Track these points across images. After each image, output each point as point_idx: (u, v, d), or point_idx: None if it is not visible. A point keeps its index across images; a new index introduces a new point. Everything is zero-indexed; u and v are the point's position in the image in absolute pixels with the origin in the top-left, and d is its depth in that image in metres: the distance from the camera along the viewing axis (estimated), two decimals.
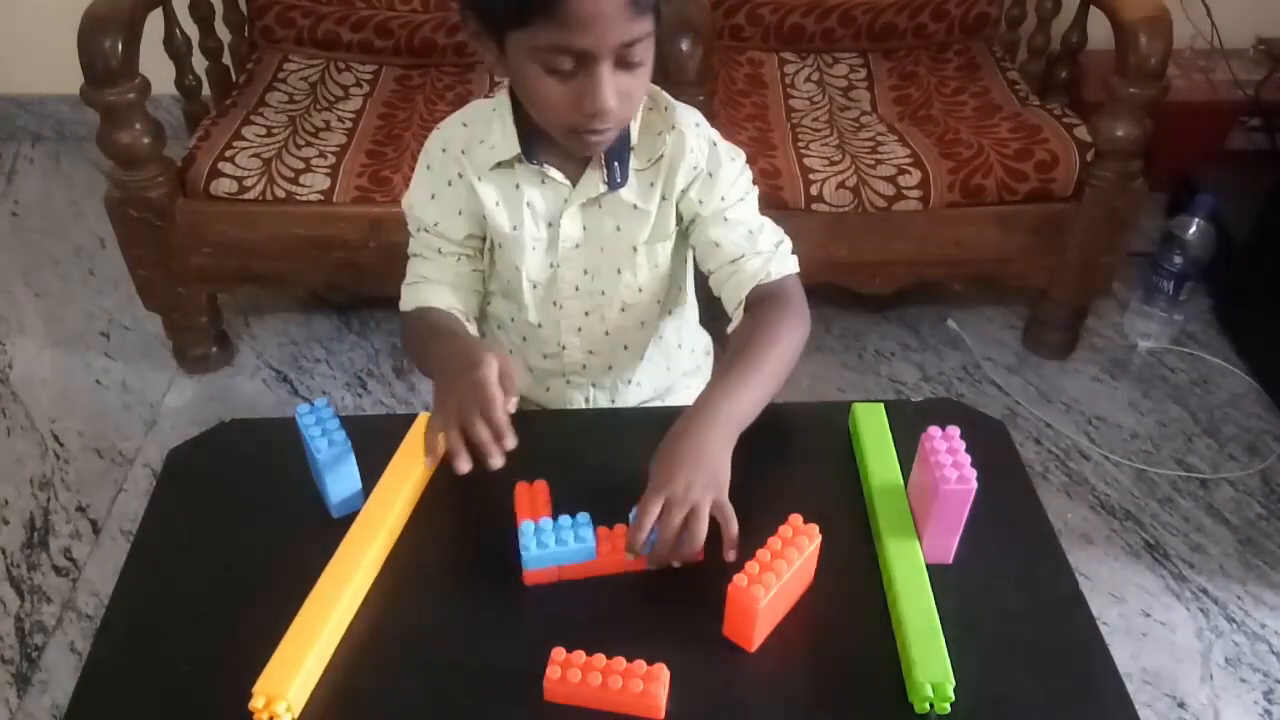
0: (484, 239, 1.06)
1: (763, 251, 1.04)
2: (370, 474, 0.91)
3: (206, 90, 2.14)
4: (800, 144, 1.95)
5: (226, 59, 2.18)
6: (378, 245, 1.86)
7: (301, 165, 1.86)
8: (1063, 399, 2.03)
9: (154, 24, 1.85)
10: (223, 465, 0.97)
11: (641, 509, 0.82)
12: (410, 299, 1.07)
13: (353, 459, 0.89)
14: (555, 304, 1.08)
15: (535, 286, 1.08)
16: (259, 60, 2.17)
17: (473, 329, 1.08)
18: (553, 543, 0.82)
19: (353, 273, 1.91)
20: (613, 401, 1.20)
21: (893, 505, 0.89)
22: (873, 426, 0.98)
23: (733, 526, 0.82)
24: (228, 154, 1.86)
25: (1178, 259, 2.07)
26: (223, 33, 2.17)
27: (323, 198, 1.83)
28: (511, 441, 0.84)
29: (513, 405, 0.87)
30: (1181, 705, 1.50)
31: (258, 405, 1.99)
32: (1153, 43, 1.72)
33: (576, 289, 1.07)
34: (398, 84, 2.13)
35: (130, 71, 1.71)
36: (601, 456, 0.98)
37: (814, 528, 0.81)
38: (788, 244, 1.07)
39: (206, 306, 2.00)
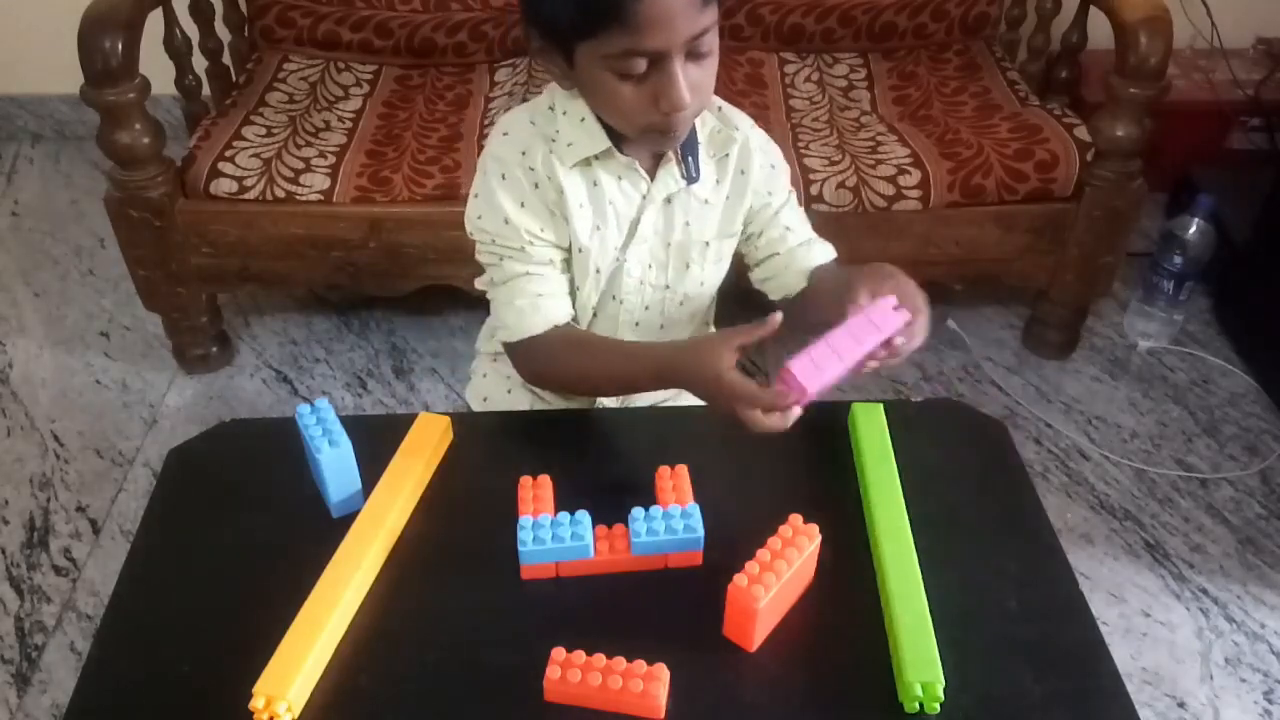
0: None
1: (813, 237, 1.11)
2: (370, 474, 0.91)
3: (206, 90, 2.14)
4: (800, 144, 1.95)
5: (226, 59, 2.18)
6: (378, 245, 1.86)
7: (301, 165, 1.86)
8: (1062, 399, 2.03)
9: (154, 24, 1.85)
10: (223, 465, 0.97)
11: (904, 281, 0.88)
12: (531, 321, 1.01)
13: (353, 459, 0.89)
14: (615, 298, 1.08)
15: (598, 273, 1.06)
16: (259, 60, 2.17)
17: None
18: (549, 539, 0.83)
19: (352, 273, 1.91)
20: (625, 400, 1.20)
21: (889, 505, 0.89)
22: (871, 427, 0.98)
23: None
24: (228, 154, 1.86)
25: (1178, 259, 2.07)
26: (223, 33, 2.17)
27: (322, 198, 1.83)
28: (795, 410, 0.85)
29: (775, 321, 0.86)
30: (1181, 705, 1.50)
31: (258, 405, 1.98)
32: (1153, 43, 1.72)
33: (641, 283, 1.07)
34: (397, 84, 2.13)
35: (130, 71, 1.71)
36: (609, 455, 0.98)
37: (814, 528, 0.81)
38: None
39: (206, 306, 2.00)
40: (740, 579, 0.77)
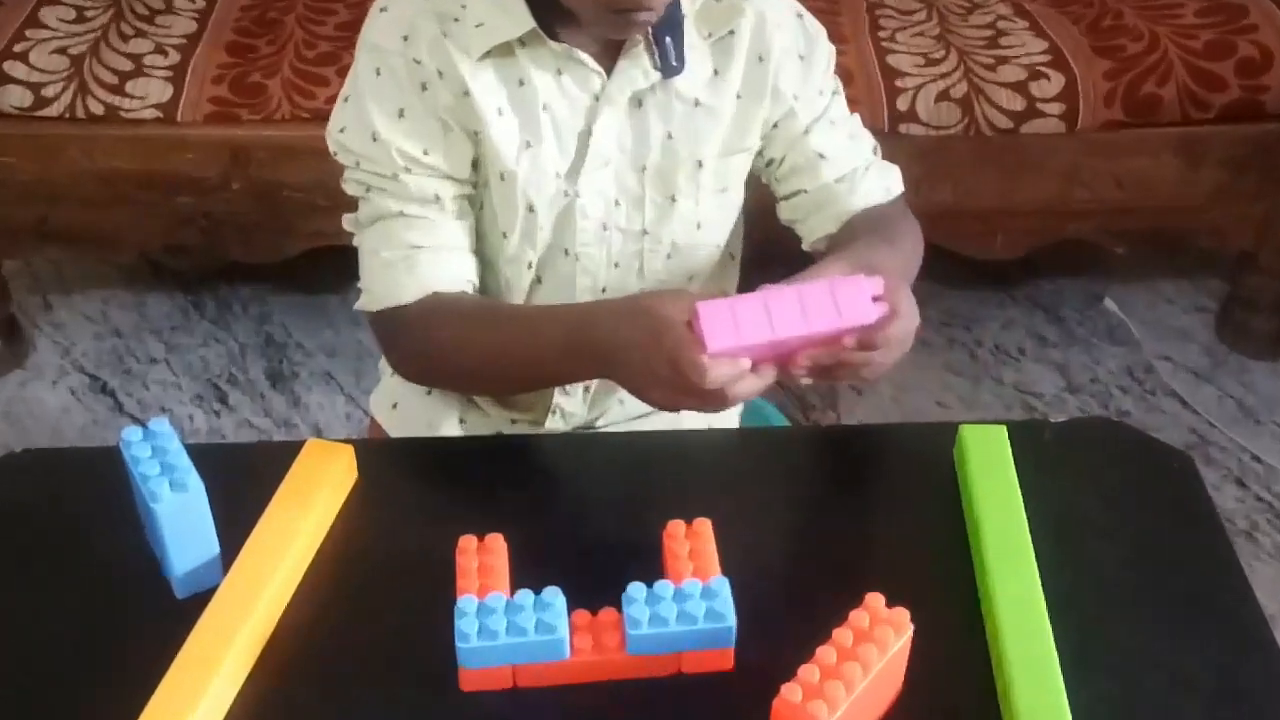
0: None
1: (870, 162, 1.13)
2: (234, 532, 0.91)
3: None
4: (882, 34, 1.95)
5: None
6: (244, 187, 1.87)
7: (129, 66, 1.86)
8: (1279, 419, 2.03)
9: None
10: (9, 517, 0.97)
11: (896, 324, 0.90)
12: (400, 284, 1.05)
13: (207, 510, 0.89)
14: (566, 251, 1.09)
15: (532, 212, 1.07)
16: None
17: None
18: (503, 630, 0.83)
19: (206, 228, 1.91)
20: (600, 415, 1.21)
21: (1015, 577, 0.89)
22: (989, 460, 0.98)
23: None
24: (17, 49, 1.86)
25: None
26: None
27: (161, 115, 1.84)
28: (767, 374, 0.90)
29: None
30: None
31: (63, 427, 1.99)
32: None
33: (604, 228, 1.08)
34: None
35: None
36: (592, 501, 0.98)
37: (902, 613, 0.81)
38: (878, 147, 1.16)
39: None
40: (791, 691, 0.77)
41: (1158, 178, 1.93)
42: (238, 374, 2.09)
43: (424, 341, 1.06)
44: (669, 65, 1.02)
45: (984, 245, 2.01)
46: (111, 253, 2.18)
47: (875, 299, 0.89)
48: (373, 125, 1.03)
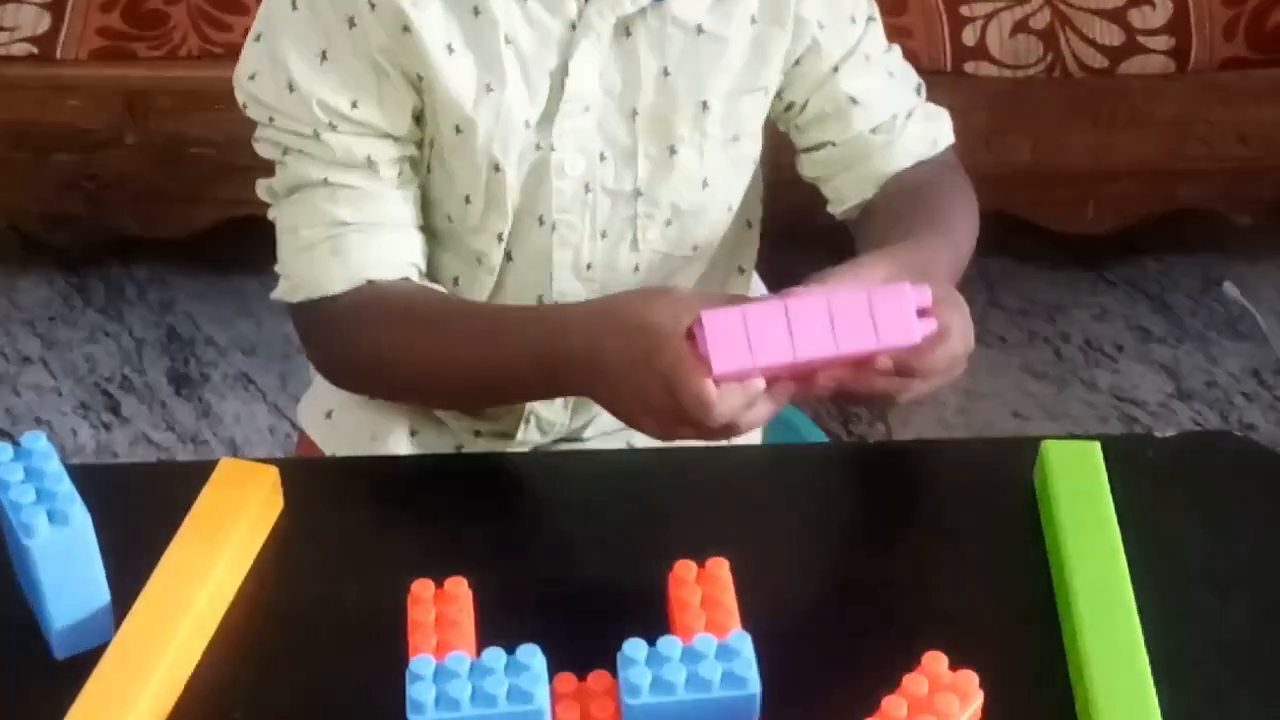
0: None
1: (913, 106, 1.14)
2: (129, 575, 0.91)
3: None
4: None
5: None
6: (141, 141, 1.88)
7: None
8: None
9: None
10: None
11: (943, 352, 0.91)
12: (326, 272, 1.06)
13: (94, 548, 0.89)
14: (541, 219, 1.10)
15: (498, 171, 1.07)
16: None
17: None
18: (467, 698, 0.82)
19: (94, 192, 1.93)
20: (586, 423, 1.21)
21: (1113, 628, 0.89)
22: (1079, 483, 0.98)
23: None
24: None
25: None
26: None
27: (37, 51, 1.85)
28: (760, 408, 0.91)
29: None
30: None
31: None
32: None
33: (586, 189, 1.09)
34: None
35: None
36: (568, 536, 0.99)
37: (970, 678, 0.81)
38: (924, 87, 1.17)
39: None
40: None
41: None
42: (133, 377, 2.09)
43: (354, 343, 1.08)
44: None
45: (1072, 216, 2.01)
46: None
47: (921, 313, 0.89)
48: (289, 72, 1.03)
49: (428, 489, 1.04)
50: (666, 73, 1.06)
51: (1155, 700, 0.86)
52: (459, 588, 0.90)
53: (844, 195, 1.15)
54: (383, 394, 1.17)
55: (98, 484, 0.90)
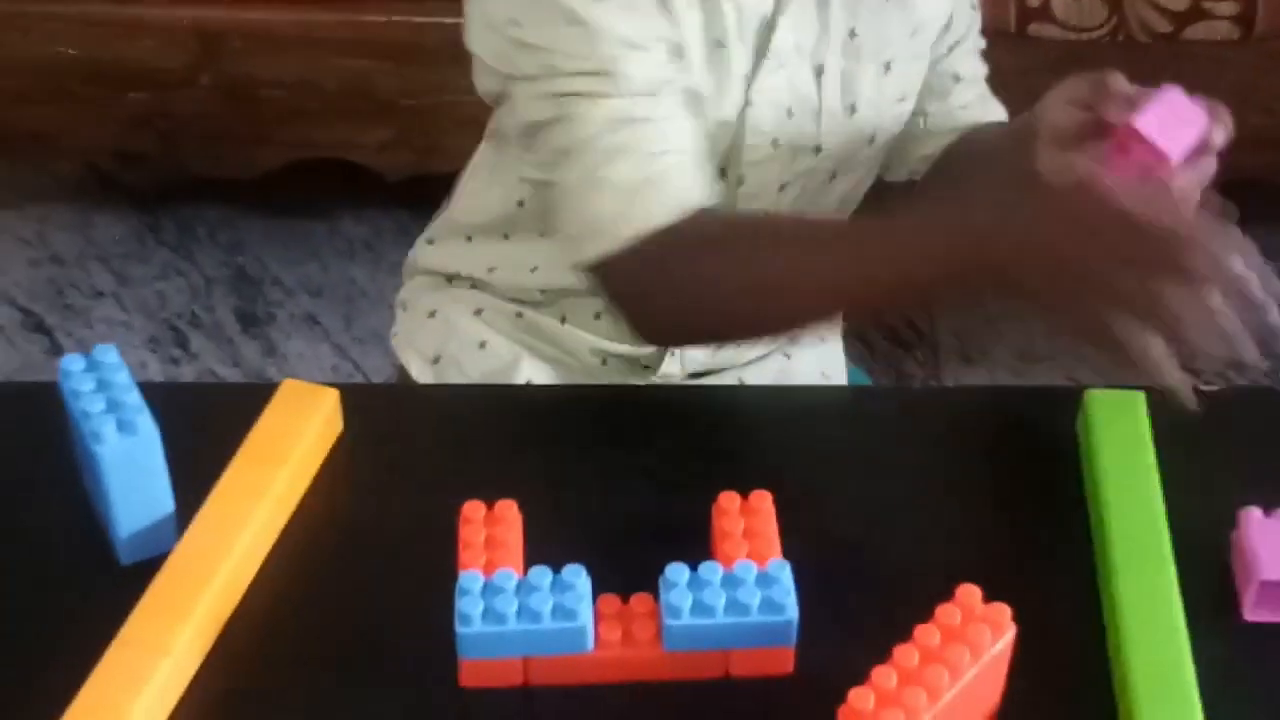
0: None
1: (984, 90, 1.21)
2: (192, 487, 0.93)
3: None
4: None
5: None
6: (215, 82, 1.90)
7: None
8: None
9: None
10: None
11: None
12: (650, 201, 0.99)
13: (161, 459, 0.91)
14: (726, 173, 1.09)
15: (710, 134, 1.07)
16: None
17: None
18: (513, 614, 0.84)
19: (168, 132, 1.95)
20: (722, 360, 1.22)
21: (1145, 574, 0.90)
22: (1121, 433, 0.98)
23: None
24: None
25: None
26: None
27: None
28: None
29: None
30: None
31: None
32: None
33: (775, 145, 1.10)
34: None
35: None
36: (626, 466, 1.00)
37: (1003, 610, 0.82)
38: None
39: None
40: (862, 698, 0.78)
41: None
42: (201, 314, 2.12)
43: (695, 276, 1.01)
44: None
45: None
46: (51, 161, 2.21)
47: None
48: (562, 6, 0.97)
49: (485, 417, 1.06)
50: (854, 34, 1.08)
51: (1186, 640, 0.87)
52: (509, 510, 0.91)
53: (914, 157, 1.19)
54: (710, 331, 1.10)
55: (165, 401, 0.92)
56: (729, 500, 0.92)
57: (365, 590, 0.93)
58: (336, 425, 1.01)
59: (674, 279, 1.01)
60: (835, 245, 1.01)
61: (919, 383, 2.00)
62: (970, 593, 0.82)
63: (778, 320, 1.06)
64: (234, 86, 1.91)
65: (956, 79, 1.17)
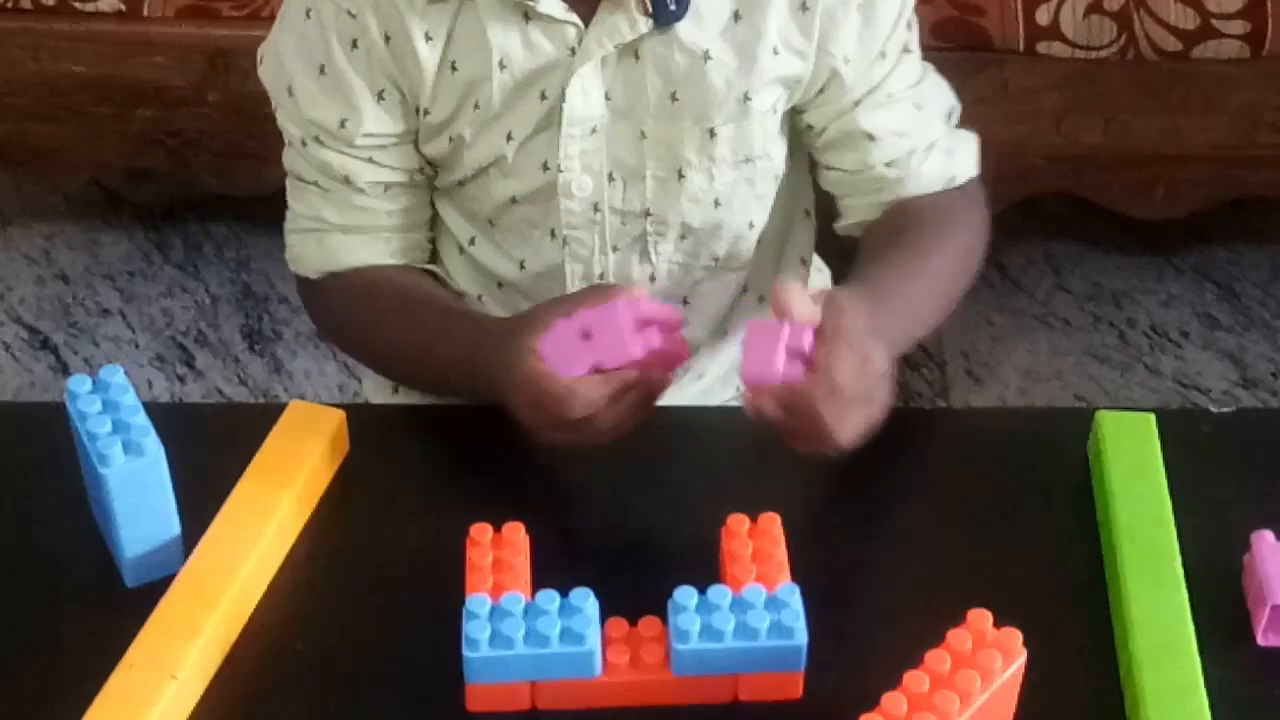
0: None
1: (936, 139, 1.10)
2: (198, 509, 0.93)
3: None
4: None
5: None
6: (222, 99, 1.89)
7: None
8: None
9: None
10: None
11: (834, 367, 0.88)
12: (312, 255, 1.12)
13: (167, 481, 0.91)
14: (553, 234, 1.11)
15: (514, 202, 1.10)
16: None
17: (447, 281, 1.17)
18: (521, 638, 0.84)
19: (175, 149, 1.94)
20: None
21: (1156, 598, 0.90)
22: (1133, 455, 0.98)
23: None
24: None
25: None
26: None
27: (124, 8, 1.86)
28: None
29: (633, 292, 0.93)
30: None
31: None
32: None
33: (596, 209, 1.09)
34: None
35: None
36: (635, 489, 0.99)
37: (1014, 636, 0.82)
38: (958, 110, 1.13)
39: None
40: None
41: None
42: (208, 332, 2.11)
43: (330, 318, 1.18)
44: (665, 11, 1.00)
45: (1141, 200, 2.00)
46: (59, 178, 2.22)
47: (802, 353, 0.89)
48: (289, 77, 1.06)
49: (491, 438, 1.04)
50: (674, 97, 1.05)
51: (1198, 662, 0.87)
52: (516, 533, 0.91)
53: (851, 214, 1.14)
54: (363, 364, 1.24)
55: (171, 422, 0.92)
56: (737, 523, 0.91)
57: (372, 612, 0.93)
58: (343, 446, 1.01)
59: (320, 315, 1.20)
60: (431, 327, 1.08)
61: (927, 402, 2.00)
62: (981, 617, 0.82)
63: (400, 377, 1.19)
64: (242, 104, 1.90)
65: (870, 138, 1.08)
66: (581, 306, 0.91)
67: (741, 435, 1.06)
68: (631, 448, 1.01)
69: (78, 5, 1.87)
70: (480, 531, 0.91)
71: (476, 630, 0.83)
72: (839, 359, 0.87)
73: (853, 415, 0.88)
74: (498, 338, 0.97)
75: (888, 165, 1.09)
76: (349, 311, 1.13)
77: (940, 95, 1.12)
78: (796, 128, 1.13)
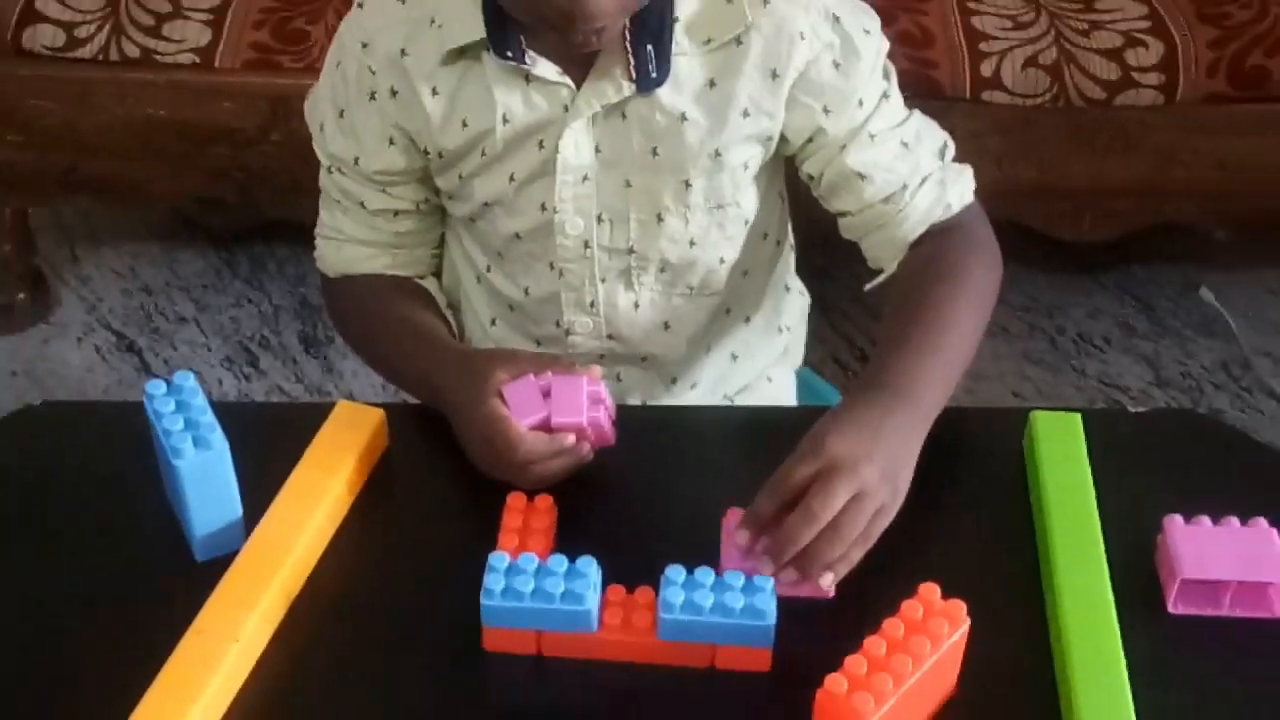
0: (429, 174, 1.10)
1: (929, 173, 1.07)
2: (258, 494, 0.93)
3: None
4: None
5: None
6: (284, 139, 1.89)
7: (167, 8, 1.89)
8: None
9: None
10: (24, 472, 0.99)
11: (785, 471, 0.87)
12: (331, 258, 1.14)
13: (231, 470, 0.91)
14: (551, 266, 1.11)
15: (518, 238, 1.10)
16: None
17: (436, 294, 1.17)
18: (529, 592, 0.85)
19: (243, 182, 1.94)
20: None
21: (1085, 576, 0.90)
22: (1061, 449, 0.97)
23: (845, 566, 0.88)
24: None
25: None
26: None
27: (199, 60, 1.86)
28: (577, 452, 0.95)
29: (594, 373, 0.96)
30: None
31: (87, 386, 2.03)
32: None
33: (586, 246, 1.09)
34: None
35: None
36: (657, 478, 1.00)
37: (959, 606, 0.82)
38: (952, 146, 1.10)
39: (12, 228, 2.04)
40: (836, 683, 0.77)
41: (1264, 158, 1.91)
42: (270, 337, 2.12)
43: (342, 312, 1.18)
44: (647, 78, 0.99)
45: (1072, 226, 2.00)
46: (142, 205, 2.22)
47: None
48: (320, 116, 1.09)
49: None
50: (655, 152, 1.04)
51: (1118, 631, 0.87)
52: (545, 503, 0.93)
53: (878, 258, 1.09)
54: (360, 357, 1.25)
55: (235, 419, 0.92)
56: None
57: (408, 576, 0.94)
58: (383, 440, 1.01)
59: (335, 316, 1.22)
60: (402, 357, 1.09)
61: None
62: (930, 590, 0.82)
63: (377, 372, 1.20)
64: (299, 144, 1.87)
65: (861, 176, 1.05)
66: (548, 370, 0.94)
67: (736, 433, 1.08)
68: (648, 441, 1.02)
69: (158, 58, 1.88)
70: (516, 499, 0.93)
71: (493, 582, 0.85)
72: (808, 441, 0.89)
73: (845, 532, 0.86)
74: (454, 367, 1.00)
75: (884, 201, 1.06)
76: (352, 310, 1.16)
77: (930, 134, 1.09)
78: (802, 180, 1.11)
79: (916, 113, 1.09)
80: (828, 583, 0.86)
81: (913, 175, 1.06)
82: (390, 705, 0.85)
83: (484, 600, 0.85)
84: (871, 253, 1.10)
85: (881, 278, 1.09)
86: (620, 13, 0.93)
